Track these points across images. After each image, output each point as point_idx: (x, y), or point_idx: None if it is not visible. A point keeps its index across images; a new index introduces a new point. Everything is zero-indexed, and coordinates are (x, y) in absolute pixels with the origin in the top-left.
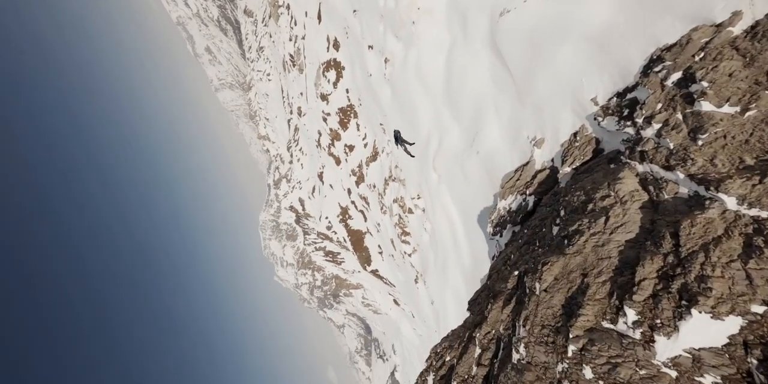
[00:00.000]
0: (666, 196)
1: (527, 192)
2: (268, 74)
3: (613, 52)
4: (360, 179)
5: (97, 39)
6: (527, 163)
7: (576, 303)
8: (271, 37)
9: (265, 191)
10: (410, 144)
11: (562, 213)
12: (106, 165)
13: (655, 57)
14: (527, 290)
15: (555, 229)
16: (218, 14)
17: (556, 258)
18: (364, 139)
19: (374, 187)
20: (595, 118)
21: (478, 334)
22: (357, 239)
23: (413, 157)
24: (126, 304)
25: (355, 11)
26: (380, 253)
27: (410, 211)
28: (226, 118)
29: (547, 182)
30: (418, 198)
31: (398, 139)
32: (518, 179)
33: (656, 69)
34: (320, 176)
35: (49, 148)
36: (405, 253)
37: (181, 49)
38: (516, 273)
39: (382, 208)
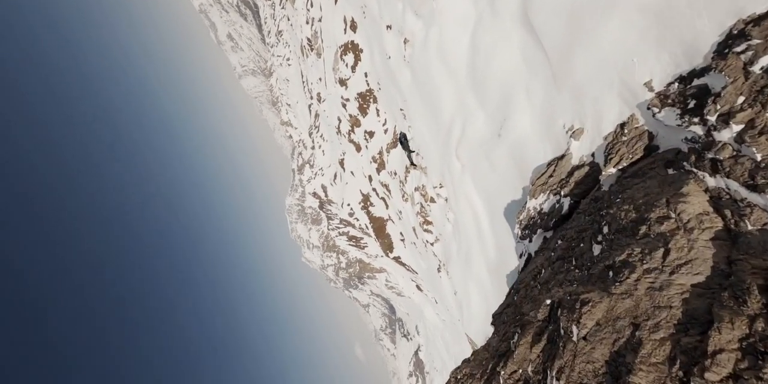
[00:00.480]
0: (750, 227)
1: (562, 192)
2: (288, 59)
3: (676, 25)
4: (381, 166)
5: (123, 30)
6: (562, 156)
7: (624, 363)
8: (288, 20)
9: (290, 176)
10: (412, 152)
11: (606, 230)
12: (138, 156)
13: (736, 32)
14: (562, 331)
15: (596, 249)
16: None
17: (599, 297)
18: (384, 124)
19: (395, 174)
20: (648, 108)
21: (503, 372)
22: (379, 226)
23: (414, 165)
24: (160, 291)
25: None
26: (402, 240)
27: (432, 200)
28: (251, 105)
29: (586, 182)
30: (440, 187)
31: (403, 144)
32: (551, 175)
33: (737, 48)
34: (341, 163)
35: (81, 142)
36: (427, 241)
37: (205, 37)
38: (548, 302)
39: (403, 196)
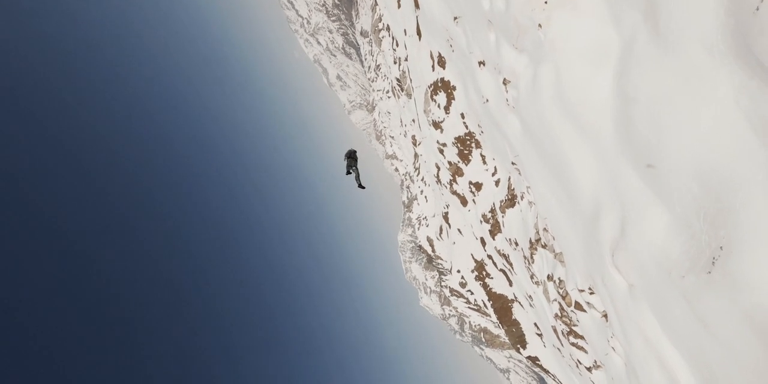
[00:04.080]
0: None
1: None
2: (387, 91)
3: None
4: (495, 229)
5: (260, 88)
6: None
7: None
8: (382, 53)
9: (401, 209)
10: (352, 168)
11: None
12: (272, 188)
13: None
14: None
15: None
16: (342, 42)
17: None
18: (493, 174)
19: (516, 244)
20: None
21: None
22: (502, 307)
23: (363, 188)
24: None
25: (456, 18)
26: (539, 335)
27: (579, 308)
28: (361, 137)
29: None
30: (590, 293)
31: (349, 163)
32: None
33: None
34: (445, 217)
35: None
36: (579, 362)
37: (319, 82)
38: None
39: (532, 277)
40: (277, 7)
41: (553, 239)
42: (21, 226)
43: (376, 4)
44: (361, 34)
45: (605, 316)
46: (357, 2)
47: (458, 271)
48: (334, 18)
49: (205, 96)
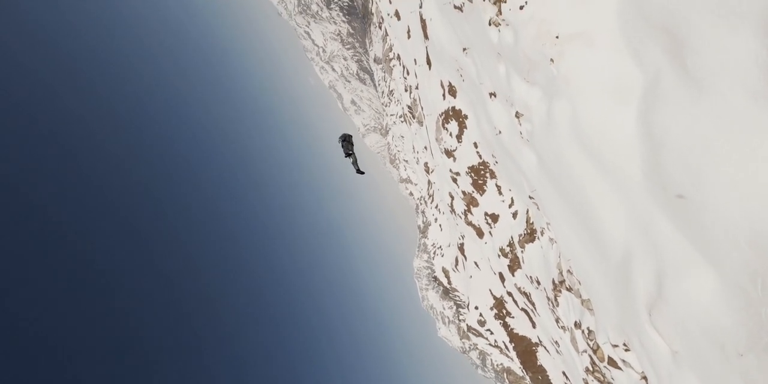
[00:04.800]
0: None
1: None
2: (400, 116)
3: None
4: (515, 264)
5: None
6: None
7: None
8: (393, 81)
9: (416, 234)
10: (349, 154)
11: None
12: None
13: None
14: None
15: None
16: (357, 68)
17: None
18: (510, 206)
19: (538, 283)
20: None
21: None
22: (525, 351)
23: (362, 173)
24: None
25: (465, 50)
26: None
27: (614, 365)
28: (375, 160)
29: None
30: (625, 349)
31: (344, 146)
32: None
33: None
34: (461, 249)
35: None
36: None
37: (334, 107)
38: None
39: (557, 321)
40: (294, 37)
41: (579, 284)
42: (21, 226)
43: (387, 34)
44: (375, 60)
45: (645, 378)
46: (370, 31)
47: (476, 308)
48: (348, 46)
49: (224, 123)
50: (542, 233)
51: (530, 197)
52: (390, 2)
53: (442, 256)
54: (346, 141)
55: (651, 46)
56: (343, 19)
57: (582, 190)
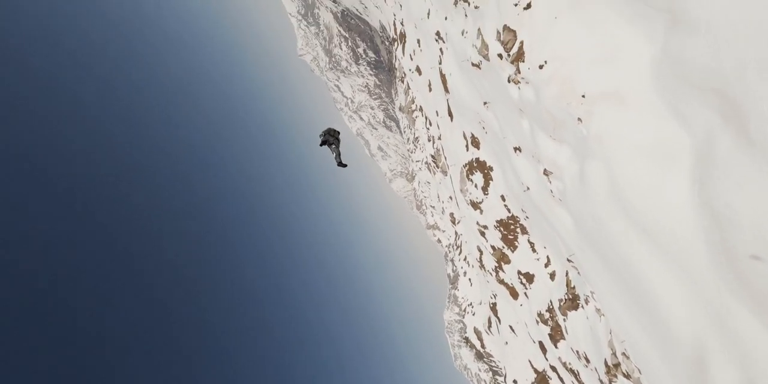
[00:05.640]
0: None
1: None
2: (426, 162)
3: None
4: (557, 334)
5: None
6: None
7: None
8: (417, 130)
9: (446, 281)
10: (338, 155)
11: None
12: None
13: None
14: None
15: None
16: (383, 116)
17: None
18: (546, 265)
19: (587, 361)
20: None
21: None
22: None
23: (345, 166)
24: None
25: (486, 103)
26: None
27: None
28: (402, 205)
29: None
30: None
31: (329, 136)
32: None
33: None
34: (493, 309)
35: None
36: None
37: (361, 153)
38: None
39: None
40: (325, 90)
41: (639, 372)
42: (20, 226)
43: (409, 87)
44: (400, 109)
45: None
46: (395, 82)
47: (514, 382)
48: (375, 96)
49: (260, 176)
50: (587, 301)
51: (569, 260)
52: (411, 59)
53: (473, 314)
54: (330, 135)
55: (697, 108)
56: (371, 72)
57: (631, 263)
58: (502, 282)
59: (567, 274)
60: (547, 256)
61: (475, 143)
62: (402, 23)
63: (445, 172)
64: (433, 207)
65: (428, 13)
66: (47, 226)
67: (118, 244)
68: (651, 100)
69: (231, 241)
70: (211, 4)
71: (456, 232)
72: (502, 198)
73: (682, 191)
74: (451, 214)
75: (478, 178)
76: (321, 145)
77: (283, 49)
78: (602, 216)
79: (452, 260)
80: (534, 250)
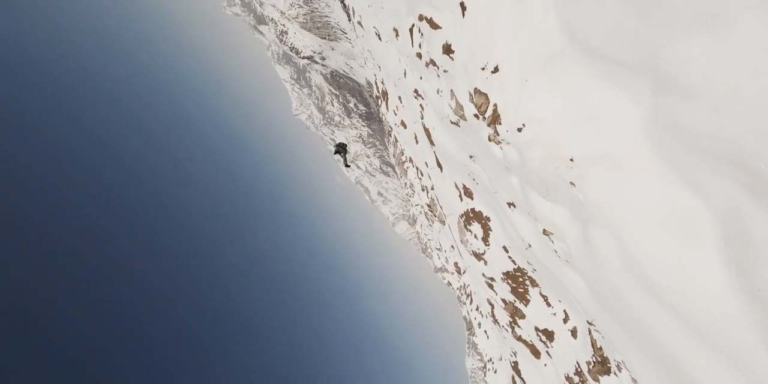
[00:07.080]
0: None
1: None
2: (423, 211)
3: None
4: None
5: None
6: None
7: None
8: (410, 180)
9: (463, 324)
10: (346, 160)
11: None
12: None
13: None
14: None
15: None
16: (379, 163)
17: None
18: (565, 321)
19: None
20: None
21: None
22: None
23: (348, 166)
24: None
25: (471, 157)
26: None
27: None
28: (408, 247)
29: None
30: None
31: (341, 152)
32: None
33: None
34: (515, 368)
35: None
36: None
37: (361, 200)
38: None
39: None
40: (321, 144)
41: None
42: (20, 226)
43: (396, 140)
44: (394, 155)
45: None
46: (386, 134)
47: None
48: (369, 145)
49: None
50: (619, 368)
51: (589, 323)
52: (395, 114)
53: (495, 372)
54: (340, 146)
55: (711, 177)
56: (363, 123)
57: (665, 346)
58: (520, 339)
59: (590, 332)
60: (564, 311)
61: (468, 194)
62: (383, 82)
63: (443, 222)
64: (438, 249)
65: (405, 73)
66: (46, 227)
67: (116, 246)
68: (652, 165)
69: (246, 315)
70: (209, 87)
71: (464, 284)
72: (505, 249)
73: (716, 273)
74: (455, 264)
75: (476, 228)
76: (334, 154)
77: (279, 111)
78: (620, 288)
79: (466, 304)
80: (549, 305)
